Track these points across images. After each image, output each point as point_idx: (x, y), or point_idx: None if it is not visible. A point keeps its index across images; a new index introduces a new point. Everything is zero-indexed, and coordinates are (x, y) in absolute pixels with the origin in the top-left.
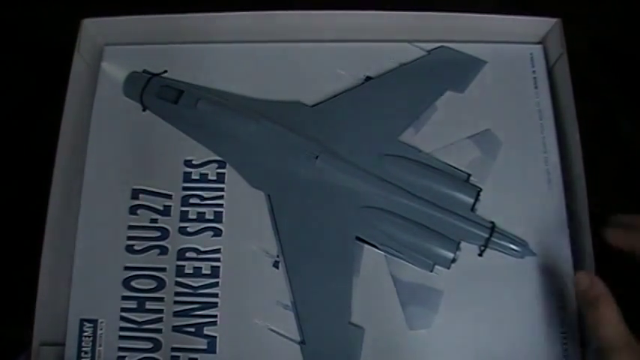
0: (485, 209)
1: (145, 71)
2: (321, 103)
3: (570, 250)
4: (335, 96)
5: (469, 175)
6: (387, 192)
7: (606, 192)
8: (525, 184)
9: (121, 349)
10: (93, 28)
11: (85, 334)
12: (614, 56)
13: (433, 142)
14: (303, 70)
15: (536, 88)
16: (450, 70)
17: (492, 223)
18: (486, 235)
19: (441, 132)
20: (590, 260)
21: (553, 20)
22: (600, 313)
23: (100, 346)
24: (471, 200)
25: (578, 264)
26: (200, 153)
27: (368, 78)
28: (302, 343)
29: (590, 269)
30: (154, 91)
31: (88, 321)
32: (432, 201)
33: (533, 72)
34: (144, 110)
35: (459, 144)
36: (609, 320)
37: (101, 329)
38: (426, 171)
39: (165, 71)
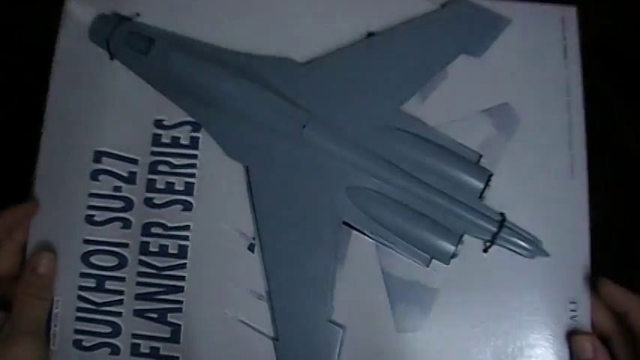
0: (495, 198)
1: (114, 14)
2: (313, 61)
3: (589, 253)
4: (331, 53)
5: (480, 156)
6: (382, 171)
7: (605, 194)
8: (544, 171)
9: (77, 331)
10: None
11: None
12: (614, 58)
13: (441, 114)
14: (295, 21)
15: (565, 57)
16: (466, 29)
17: (502, 215)
18: (494, 229)
19: (451, 103)
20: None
21: None
22: None
23: (56, 326)
24: (481, 186)
25: (595, 272)
26: (172, 113)
27: (370, 34)
28: (275, 339)
29: (588, 331)
30: (122, 38)
31: None
32: (434, 185)
33: (564, 38)
34: (111, 59)
35: (470, 118)
36: None
37: (57, 308)
38: (430, 149)
39: (138, 15)
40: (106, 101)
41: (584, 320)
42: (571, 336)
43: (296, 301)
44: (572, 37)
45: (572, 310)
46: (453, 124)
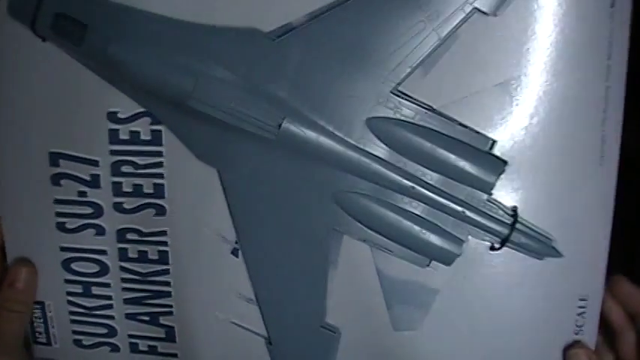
0: (508, 187)
1: None
2: (286, 33)
3: (607, 255)
4: (305, 20)
5: (494, 142)
6: (374, 172)
7: None
8: (568, 156)
9: (75, 332)
10: None
11: (35, 314)
12: None
13: (446, 91)
14: None
15: (612, 6)
16: None
17: (514, 211)
18: (505, 232)
19: (459, 76)
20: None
21: None
22: None
23: (53, 327)
24: (492, 180)
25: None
26: (127, 102)
27: None
28: (269, 343)
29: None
30: (49, 22)
31: (35, 302)
32: (435, 184)
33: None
34: (44, 41)
35: (483, 95)
36: None
37: (50, 311)
38: (431, 140)
39: None
40: (49, 93)
41: (593, 319)
42: (567, 350)
43: (285, 307)
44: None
45: (580, 307)
46: (461, 102)
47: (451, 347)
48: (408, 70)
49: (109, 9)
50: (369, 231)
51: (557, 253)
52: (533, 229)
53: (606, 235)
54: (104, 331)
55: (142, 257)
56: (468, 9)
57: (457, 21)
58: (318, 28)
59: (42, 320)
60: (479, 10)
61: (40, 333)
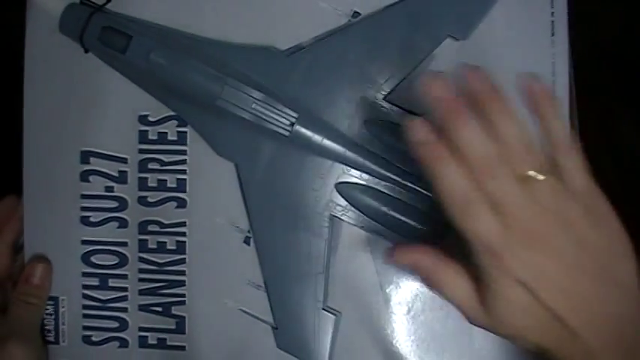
0: None
1: (83, 1)
2: (297, 50)
3: None
4: (315, 41)
5: None
6: (371, 165)
7: (605, 192)
8: None
9: (86, 327)
10: None
11: (47, 311)
12: (614, 58)
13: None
14: (277, 3)
15: (552, 35)
16: (453, 10)
17: None
18: None
19: None
20: None
21: None
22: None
23: (64, 324)
24: None
25: None
26: (157, 107)
27: (356, 14)
28: (275, 328)
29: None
30: (96, 34)
31: (49, 298)
32: (424, 176)
33: (552, 14)
34: (86, 52)
35: None
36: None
37: (63, 307)
38: None
39: (109, 0)
40: (86, 98)
41: None
42: None
43: (290, 291)
44: (561, 13)
45: None
46: None
47: (441, 325)
48: (397, 81)
49: (150, 25)
50: (364, 217)
51: None
52: None
53: None
54: (115, 324)
55: (161, 248)
56: (444, 37)
57: (435, 45)
58: (324, 48)
59: (53, 317)
60: (451, 37)
61: (49, 331)
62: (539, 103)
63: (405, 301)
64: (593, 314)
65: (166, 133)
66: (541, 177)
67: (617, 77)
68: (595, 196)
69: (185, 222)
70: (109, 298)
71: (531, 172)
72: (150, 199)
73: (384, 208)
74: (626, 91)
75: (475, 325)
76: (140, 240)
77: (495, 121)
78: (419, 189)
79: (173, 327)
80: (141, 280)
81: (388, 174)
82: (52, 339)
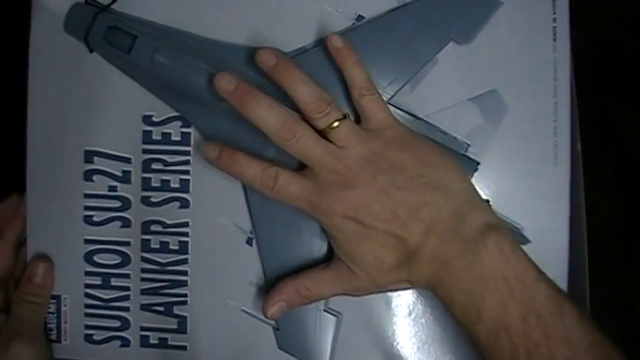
0: (481, 185)
1: (88, 1)
2: (302, 53)
3: (568, 238)
4: (319, 43)
5: (468, 145)
6: None
7: (605, 192)
8: (528, 158)
9: (87, 326)
10: None
11: (49, 310)
12: (614, 58)
13: (429, 103)
14: (282, 5)
15: (554, 40)
16: (457, 14)
17: (488, 202)
18: None
19: (440, 92)
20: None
21: None
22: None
23: (66, 322)
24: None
25: (573, 256)
26: (161, 107)
27: (360, 17)
28: (276, 329)
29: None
30: (101, 34)
31: (51, 297)
32: None
33: (554, 20)
34: (91, 52)
35: (459, 107)
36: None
37: (65, 305)
38: None
39: (114, 1)
40: (90, 97)
41: None
42: None
43: None
44: (563, 18)
45: None
46: (442, 113)
47: (442, 327)
48: (400, 85)
49: (154, 25)
50: None
51: (525, 239)
52: (504, 218)
53: (565, 222)
54: (117, 324)
55: (164, 247)
56: (447, 41)
57: (438, 49)
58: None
59: (55, 315)
60: (454, 41)
61: (51, 330)
62: (341, 54)
63: (406, 303)
64: (423, 220)
65: (170, 133)
66: (336, 124)
67: (617, 77)
68: (396, 126)
69: (188, 222)
70: (111, 297)
71: (326, 123)
72: (153, 199)
73: None
74: (626, 91)
75: (361, 295)
76: (143, 240)
77: (290, 87)
78: None
79: (175, 327)
80: (143, 279)
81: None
82: (54, 337)
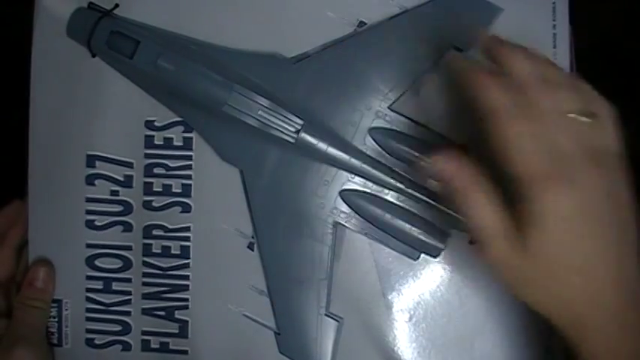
0: None
1: (91, 5)
2: (303, 57)
3: None
4: (321, 49)
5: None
6: (374, 173)
7: None
8: None
9: (89, 330)
10: None
11: (50, 314)
12: (615, 58)
13: (431, 109)
14: (284, 12)
15: (554, 47)
16: (458, 20)
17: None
18: None
19: (441, 97)
20: None
21: None
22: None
23: (67, 327)
24: None
25: None
26: (163, 112)
27: (362, 23)
28: (277, 334)
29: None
30: (104, 39)
31: (52, 301)
32: (424, 184)
33: (554, 27)
34: (94, 56)
35: (460, 113)
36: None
37: (67, 310)
38: (420, 148)
39: (117, 5)
40: (93, 102)
41: None
42: None
43: (293, 297)
44: (563, 25)
45: None
46: (443, 119)
47: (443, 332)
48: (401, 91)
49: (157, 31)
50: (367, 223)
51: None
52: None
53: None
54: (118, 328)
55: (165, 252)
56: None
57: (439, 55)
58: (330, 56)
59: (56, 319)
60: (455, 48)
61: (52, 334)
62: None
63: (407, 308)
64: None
65: (172, 138)
66: (584, 119)
67: (617, 77)
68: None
69: (189, 227)
70: (112, 301)
71: (574, 112)
72: (155, 204)
73: (388, 216)
74: (626, 91)
75: (494, 263)
76: (144, 244)
77: (544, 70)
78: (423, 197)
79: (176, 331)
80: (144, 284)
81: (392, 182)
82: (55, 341)
